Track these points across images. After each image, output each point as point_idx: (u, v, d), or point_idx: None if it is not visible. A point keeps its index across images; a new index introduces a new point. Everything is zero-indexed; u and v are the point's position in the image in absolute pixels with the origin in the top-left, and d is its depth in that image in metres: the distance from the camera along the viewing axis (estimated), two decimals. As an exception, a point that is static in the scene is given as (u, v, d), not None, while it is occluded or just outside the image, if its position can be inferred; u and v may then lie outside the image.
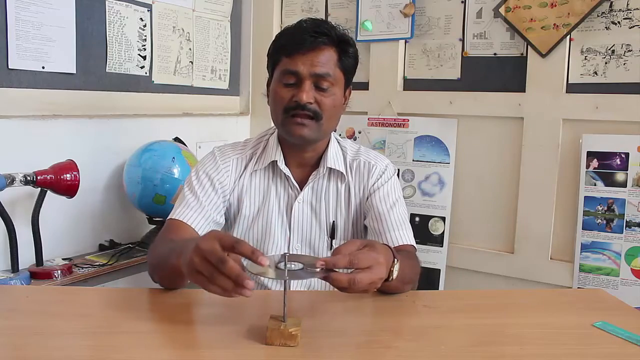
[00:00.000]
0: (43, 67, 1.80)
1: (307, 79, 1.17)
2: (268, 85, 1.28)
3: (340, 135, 2.34)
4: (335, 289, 0.86)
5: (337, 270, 0.88)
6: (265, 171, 1.29)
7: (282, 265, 0.86)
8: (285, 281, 0.89)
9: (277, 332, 0.85)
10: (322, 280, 1.28)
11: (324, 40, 1.18)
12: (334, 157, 1.28)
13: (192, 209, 1.22)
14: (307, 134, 1.19)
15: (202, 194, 1.24)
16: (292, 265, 0.86)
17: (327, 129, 1.24)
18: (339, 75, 1.21)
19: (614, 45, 1.89)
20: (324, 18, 2.43)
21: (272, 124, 1.28)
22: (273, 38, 1.26)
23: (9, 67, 1.70)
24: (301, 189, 1.27)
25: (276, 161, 1.26)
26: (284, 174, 1.27)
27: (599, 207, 1.91)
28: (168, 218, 1.24)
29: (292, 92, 1.18)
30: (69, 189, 1.72)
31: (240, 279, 0.81)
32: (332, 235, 1.28)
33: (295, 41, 1.18)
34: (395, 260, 0.98)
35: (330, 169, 1.28)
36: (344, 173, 1.29)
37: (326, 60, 1.18)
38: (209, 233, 0.88)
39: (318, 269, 0.86)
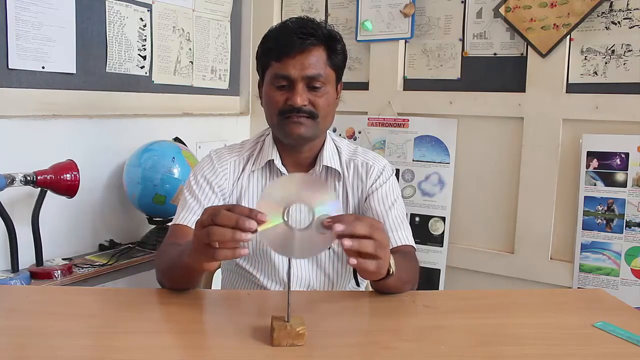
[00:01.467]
0: (43, 67, 1.80)
1: (299, 82, 1.17)
2: (259, 87, 1.28)
3: (340, 135, 2.35)
4: (332, 290, 0.86)
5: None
6: (263, 171, 1.29)
7: (287, 220, 0.84)
8: (288, 280, 0.88)
9: (285, 332, 0.84)
10: (322, 280, 1.29)
11: (312, 41, 1.17)
12: (329, 156, 1.28)
13: (195, 213, 1.22)
14: (304, 132, 1.19)
15: (203, 197, 1.25)
16: (299, 224, 0.85)
17: (324, 127, 1.24)
18: (330, 73, 1.21)
19: (614, 45, 1.89)
20: (322, 18, 2.45)
21: (270, 125, 1.28)
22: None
23: (9, 67, 1.70)
24: (298, 189, 1.27)
25: (273, 160, 1.26)
26: (281, 172, 1.27)
27: (599, 207, 1.91)
28: (172, 224, 1.25)
29: (286, 95, 1.18)
30: (69, 189, 1.72)
31: (241, 222, 0.83)
32: None
33: (283, 44, 1.17)
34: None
35: (327, 167, 1.28)
36: (340, 172, 1.29)
37: (316, 60, 1.18)
38: (204, 211, 0.91)
39: (326, 233, 0.85)
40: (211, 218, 0.86)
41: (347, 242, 0.86)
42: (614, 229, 1.89)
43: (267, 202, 0.85)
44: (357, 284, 1.27)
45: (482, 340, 0.92)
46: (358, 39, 2.35)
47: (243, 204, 1.27)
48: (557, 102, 1.97)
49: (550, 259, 2.03)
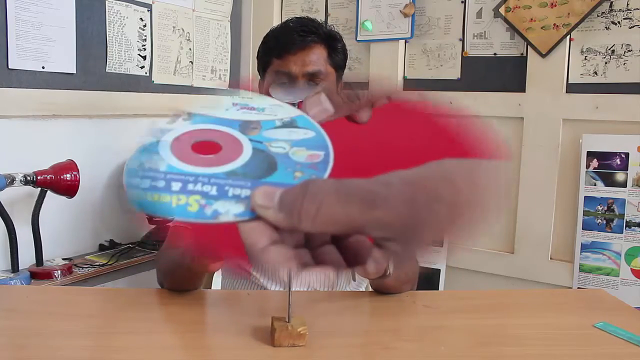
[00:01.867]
0: (43, 67, 1.80)
1: (300, 79, 1.18)
2: (260, 87, 1.28)
3: (340, 135, 2.35)
4: (332, 290, 0.85)
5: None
6: None
7: None
8: (289, 280, 0.88)
9: (286, 333, 0.84)
10: (322, 280, 1.29)
11: (313, 39, 1.19)
12: None
13: None
14: None
15: None
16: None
17: None
18: (330, 71, 1.22)
19: (614, 45, 1.89)
20: (322, 18, 2.45)
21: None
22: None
23: (9, 67, 1.70)
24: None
25: None
26: None
27: (599, 207, 1.91)
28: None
29: None
30: (69, 189, 1.71)
31: None
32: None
33: (285, 42, 1.19)
34: None
35: None
36: None
37: (317, 58, 1.19)
38: None
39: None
40: None
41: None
42: (614, 229, 1.89)
43: None
44: (354, 279, 1.27)
45: (482, 340, 0.92)
46: (358, 39, 2.35)
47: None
48: (557, 102, 1.97)
49: (550, 259, 2.02)
